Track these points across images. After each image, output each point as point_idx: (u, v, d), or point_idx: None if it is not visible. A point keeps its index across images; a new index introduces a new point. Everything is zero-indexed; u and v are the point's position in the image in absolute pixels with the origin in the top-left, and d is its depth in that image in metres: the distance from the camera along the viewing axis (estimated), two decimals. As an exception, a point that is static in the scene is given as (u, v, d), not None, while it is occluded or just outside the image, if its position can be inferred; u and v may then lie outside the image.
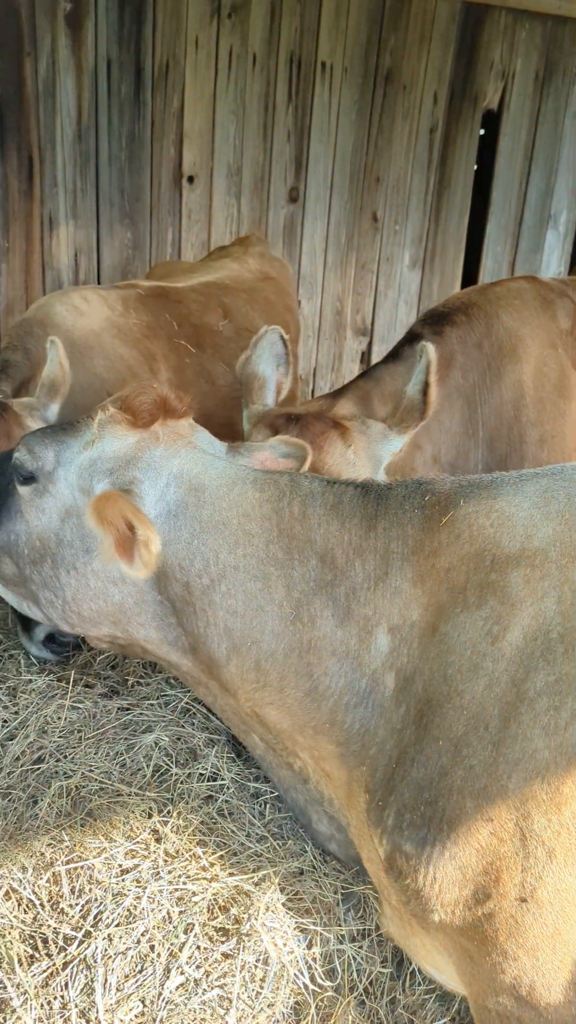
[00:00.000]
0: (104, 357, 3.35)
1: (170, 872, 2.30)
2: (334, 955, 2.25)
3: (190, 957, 2.14)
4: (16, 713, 2.70)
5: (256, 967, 2.16)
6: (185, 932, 2.19)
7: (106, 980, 2.07)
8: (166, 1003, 2.06)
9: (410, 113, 5.71)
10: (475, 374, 3.21)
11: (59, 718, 2.69)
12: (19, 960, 2.08)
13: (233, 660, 2.13)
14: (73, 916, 2.18)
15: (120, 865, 2.30)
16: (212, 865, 2.34)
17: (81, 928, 2.15)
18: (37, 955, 2.11)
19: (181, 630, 2.21)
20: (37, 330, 3.27)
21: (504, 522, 1.94)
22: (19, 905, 2.19)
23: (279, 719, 2.15)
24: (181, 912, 2.22)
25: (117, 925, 2.16)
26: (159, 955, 2.14)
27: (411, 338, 3.11)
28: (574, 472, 2.04)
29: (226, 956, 2.15)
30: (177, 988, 2.09)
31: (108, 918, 2.17)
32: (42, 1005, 2.03)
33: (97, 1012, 2.02)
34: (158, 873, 2.29)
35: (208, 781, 2.59)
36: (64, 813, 2.42)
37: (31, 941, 2.14)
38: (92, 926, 2.16)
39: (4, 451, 2.55)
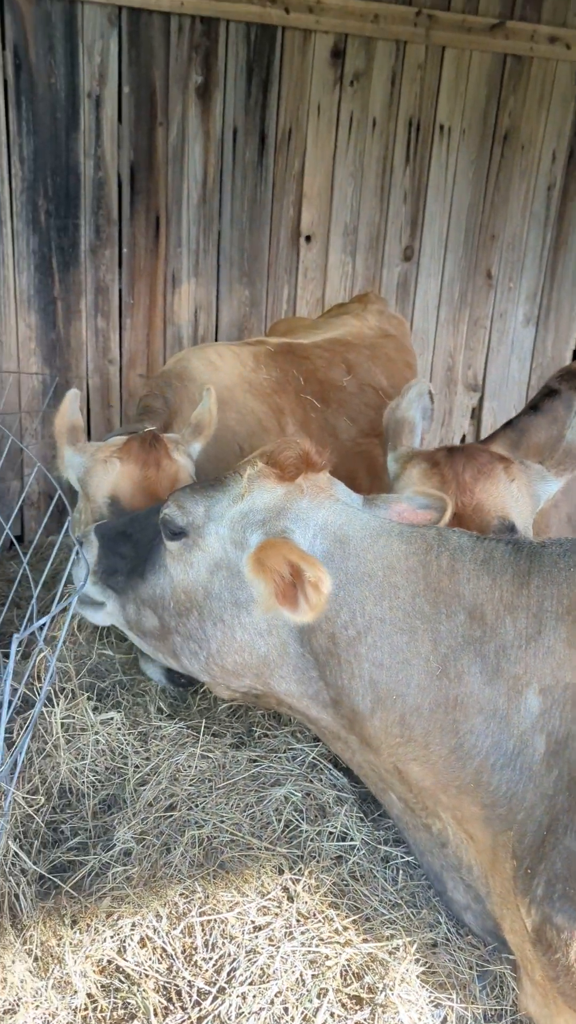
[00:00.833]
0: (236, 411, 3.43)
1: (303, 933, 2.25)
2: (472, 1033, 2.15)
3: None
4: (148, 759, 2.72)
5: (394, 1039, 2.08)
6: (319, 997, 2.13)
7: (243, 1040, 2.03)
8: (304, 1070, 2.00)
9: (528, 171, 5.74)
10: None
11: (190, 766, 2.69)
12: (155, 1011, 2.06)
13: (378, 713, 2.10)
14: (207, 970, 2.15)
15: (253, 921, 2.26)
16: (345, 929, 2.28)
17: (215, 983, 2.12)
18: (172, 1007, 2.09)
19: (323, 683, 2.20)
20: (176, 382, 3.39)
21: None
22: (154, 954, 2.17)
23: (422, 776, 2.11)
24: (314, 976, 2.16)
25: (251, 983, 2.12)
26: (293, 1018, 2.08)
27: (549, 392, 3.09)
28: None
29: (362, 1025, 2.09)
30: (315, 1055, 2.03)
31: (242, 975, 2.14)
32: (179, 1062, 2.00)
33: (234, 1073, 1.98)
34: (291, 933, 2.25)
35: (338, 841, 2.54)
36: (197, 863, 2.41)
37: (165, 992, 2.12)
38: (226, 982, 2.13)
39: (150, 507, 2.63)
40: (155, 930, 2.21)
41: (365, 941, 2.25)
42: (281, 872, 2.42)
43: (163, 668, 2.92)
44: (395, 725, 2.10)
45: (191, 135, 4.97)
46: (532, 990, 2.10)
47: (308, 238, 5.48)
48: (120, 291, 5.06)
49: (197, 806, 2.57)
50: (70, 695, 2.92)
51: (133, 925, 2.22)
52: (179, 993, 2.12)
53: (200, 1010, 2.08)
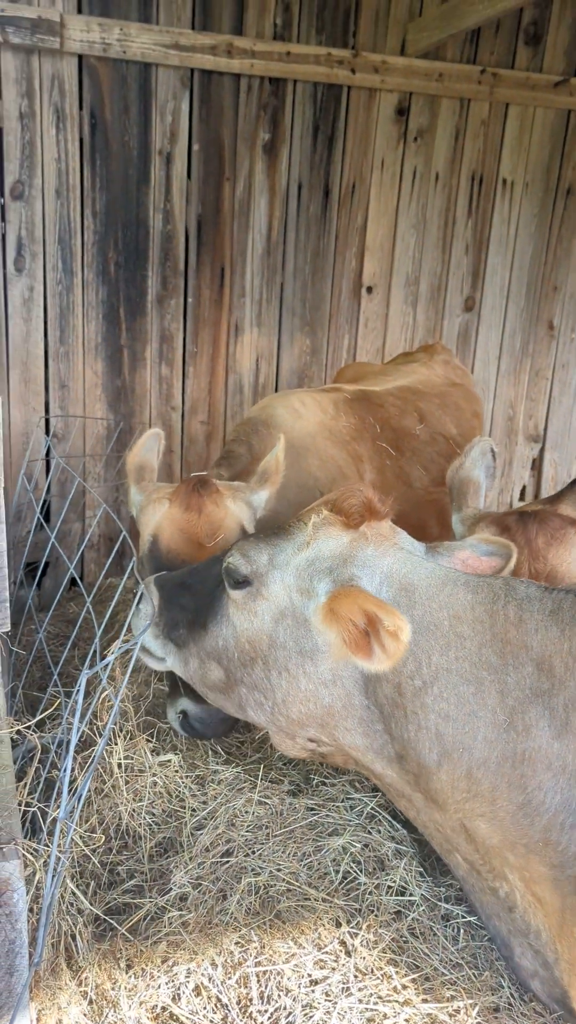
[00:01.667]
0: (318, 458, 3.46)
1: (360, 989, 2.19)
2: None
3: None
4: (205, 803, 2.70)
5: None
6: (377, 1057, 2.07)
7: None
8: None
9: (590, 224, 5.77)
10: None
11: (247, 812, 2.67)
12: (209, 1065, 2.02)
13: (444, 767, 2.06)
14: (262, 1023, 2.11)
15: (309, 974, 2.22)
16: (404, 988, 2.22)
17: (271, 1038, 2.08)
18: (226, 1062, 2.05)
19: (388, 737, 2.17)
20: (261, 429, 3.45)
21: None
22: (209, 1003, 2.14)
23: (489, 834, 2.05)
24: (372, 1034, 2.10)
25: (307, 1040, 2.07)
26: (350, 1079, 2.02)
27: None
28: None
29: None
30: None
31: (298, 1031, 2.09)
32: None
33: None
34: (348, 989, 2.19)
35: (397, 895, 2.48)
36: (253, 911, 2.37)
37: (219, 1046, 2.08)
38: (282, 1037, 2.08)
39: (210, 558, 2.63)
40: (210, 978, 2.18)
41: (425, 1001, 2.19)
42: (339, 925, 2.37)
43: (179, 713, 2.90)
44: (462, 779, 2.06)
45: (257, 190, 5.10)
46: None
47: (369, 289, 5.55)
48: (184, 340, 5.18)
49: (254, 853, 2.54)
50: (128, 735, 2.93)
51: (188, 972, 2.19)
52: (234, 1046, 2.07)
53: (255, 1065, 2.03)
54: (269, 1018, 2.12)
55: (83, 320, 4.89)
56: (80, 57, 4.48)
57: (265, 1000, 2.16)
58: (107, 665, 2.19)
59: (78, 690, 1.96)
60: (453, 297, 5.74)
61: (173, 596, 2.57)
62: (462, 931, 2.41)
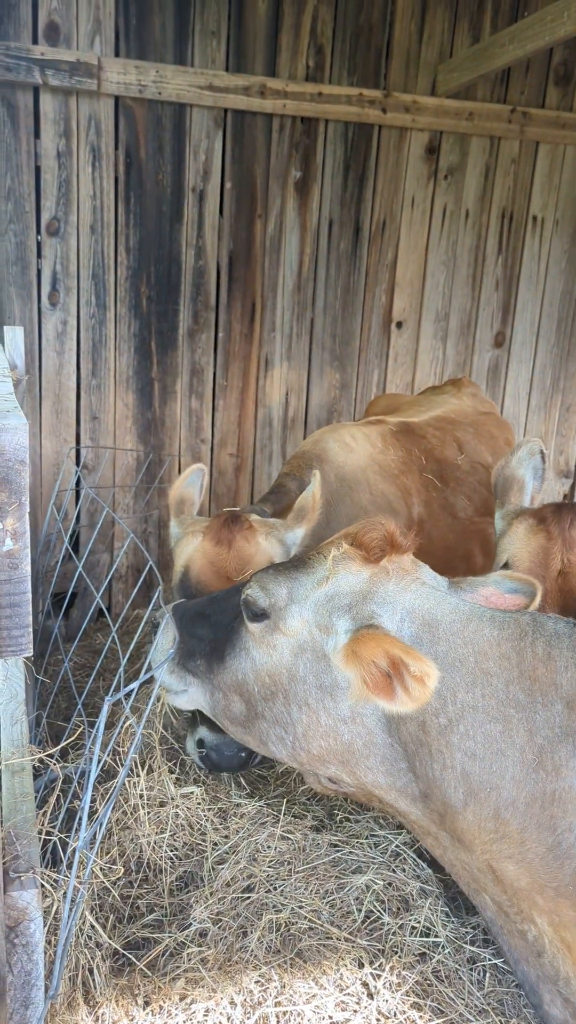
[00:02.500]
0: (369, 492, 3.46)
1: (383, 1033, 2.13)
2: None
3: None
4: (227, 837, 2.67)
5: None
6: None
7: None
8: None
9: (621, 261, 5.76)
10: None
11: (269, 847, 2.63)
12: None
13: (471, 807, 2.01)
14: (282, 1067, 2.05)
15: (330, 1016, 2.16)
16: (428, 1032, 2.16)
17: None
18: None
19: (412, 775, 2.12)
20: (314, 463, 3.44)
21: None
22: (227, 1046, 2.09)
23: (517, 876, 2.00)
24: None
25: None
26: None
27: None
28: None
29: None
30: None
31: (318, 1075, 2.03)
32: None
33: None
34: (370, 1032, 2.13)
35: (421, 936, 2.42)
36: (273, 949, 2.32)
37: None
38: None
39: (230, 588, 2.61)
40: (229, 1018, 2.13)
41: (449, 1048, 2.12)
42: (361, 966, 2.31)
43: (197, 743, 2.85)
44: (489, 820, 2.00)
45: (288, 227, 5.17)
46: None
47: (399, 324, 5.58)
48: (215, 373, 5.23)
49: (276, 889, 2.50)
50: (150, 767, 2.90)
51: (207, 1011, 2.15)
52: None
53: None
54: (288, 1061, 2.07)
55: (115, 353, 4.96)
56: (117, 98, 4.60)
57: (285, 1042, 2.10)
58: (130, 694, 2.18)
59: (100, 720, 1.95)
60: (483, 332, 5.75)
61: (191, 627, 2.55)
62: (488, 975, 2.34)
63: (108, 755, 2.73)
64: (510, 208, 5.55)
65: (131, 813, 2.69)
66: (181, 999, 2.18)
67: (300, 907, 2.44)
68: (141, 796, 2.73)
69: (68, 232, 4.69)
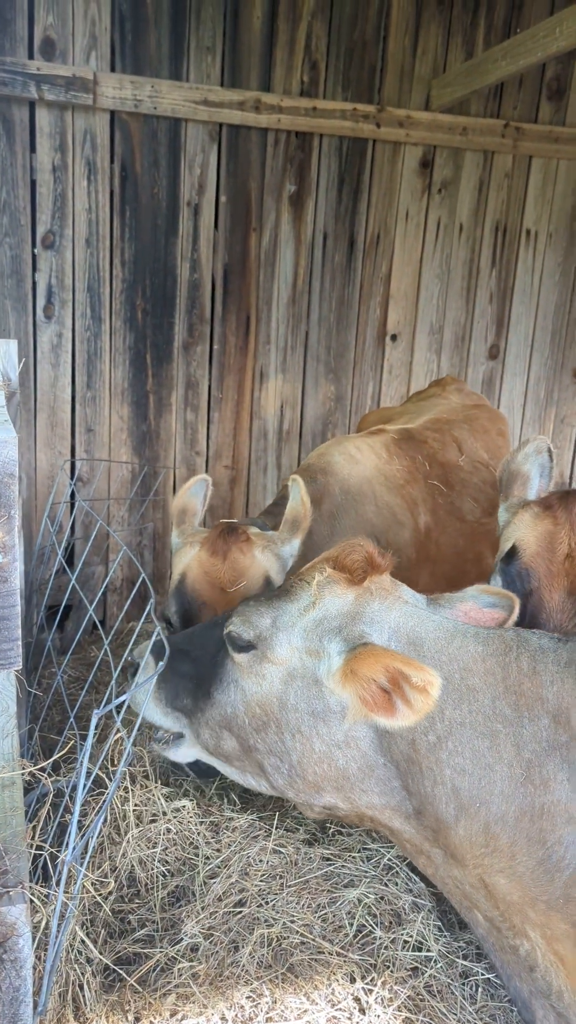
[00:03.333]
0: (375, 504, 3.46)
1: (374, 1049, 2.12)
2: None
3: None
4: (219, 851, 2.66)
5: None
6: None
7: None
8: None
9: (615, 274, 5.80)
10: None
11: (261, 860, 2.62)
12: None
13: (462, 822, 2.01)
14: None
15: (322, 1032, 2.15)
16: (420, 1047, 2.15)
17: None
18: None
19: (405, 793, 2.12)
20: (320, 477, 3.45)
21: None
22: (217, 1062, 2.08)
23: (509, 890, 1.99)
24: None
25: None
26: None
27: None
28: None
29: None
30: None
31: None
32: None
33: None
34: (361, 1048, 2.12)
35: (414, 950, 2.41)
36: (265, 964, 2.31)
37: None
38: None
39: (211, 620, 2.56)
40: (219, 1034, 2.12)
41: (441, 1064, 2.11)
42: (353, 980, 2.30)
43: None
44: (479, 834, 2.00)
45: (283, 240, 5.20)
46: None
47: (394, 337, 5.60)
48: (210, 386, 5.24)
49: (267, 903, 2.49)
50: (142, 781, 2.89)
51: (197, 1027, 2.14)
52: None
53: None
54: (279, 1077, 2.06)
55: (110, 365, 4.97)
56: (112, 113, 4.63)
57: (275, 1058, 2.09)
58: (120, 705, 2.17)
59: (91, 731, 1.95)
60: (477, 345, 5.77)
61: (173, 664, 2.50)
62: (480, 990, 2.33)
63: (98, 769, 2.72)
64: (504, 222, 5.58)
65: (122, 827, 2.69)
66: (172, 1015, 2.17)
67: (292, 921, 2.43)
68: (132, 811, 2.72)
69: (63, 245, 4.71)
